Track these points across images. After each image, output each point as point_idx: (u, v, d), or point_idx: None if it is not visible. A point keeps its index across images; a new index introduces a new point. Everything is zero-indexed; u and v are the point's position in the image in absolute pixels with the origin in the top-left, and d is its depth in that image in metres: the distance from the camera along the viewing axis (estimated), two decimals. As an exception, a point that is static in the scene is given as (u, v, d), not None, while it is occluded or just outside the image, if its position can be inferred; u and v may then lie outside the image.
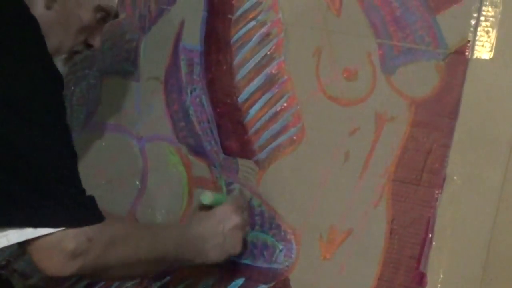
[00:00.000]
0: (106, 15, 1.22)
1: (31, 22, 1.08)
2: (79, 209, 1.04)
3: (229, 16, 1.36)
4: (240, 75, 1.35)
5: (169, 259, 1.17)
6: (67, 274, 1.04)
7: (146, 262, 1.13)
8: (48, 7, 1.16)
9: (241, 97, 1.35)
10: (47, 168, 1.03)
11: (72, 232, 1.02)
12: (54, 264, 1.03)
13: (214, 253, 1.22)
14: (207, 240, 1.21)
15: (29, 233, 1.02)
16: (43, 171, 1.03)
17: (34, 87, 1.04)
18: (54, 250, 1.02)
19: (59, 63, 1.21)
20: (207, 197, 1.26)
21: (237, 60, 1.35)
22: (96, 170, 1.44)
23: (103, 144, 1.46)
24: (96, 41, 1.25)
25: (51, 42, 1.14)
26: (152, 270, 1.26)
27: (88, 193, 1.08)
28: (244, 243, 1.27)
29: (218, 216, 1.23)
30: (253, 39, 1.34)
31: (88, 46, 1.25)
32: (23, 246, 1.04)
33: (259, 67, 1.33)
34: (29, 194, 1.02)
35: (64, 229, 1.02)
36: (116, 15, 1.25)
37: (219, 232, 1.22)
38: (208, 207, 1.26)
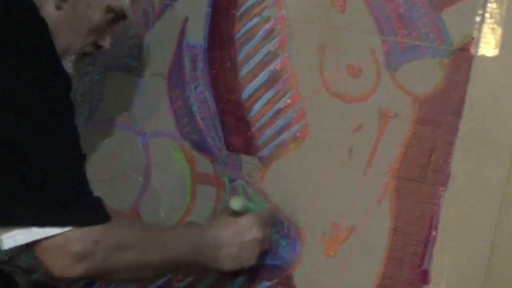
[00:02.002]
0: (116, 16, 1.21)
1: (40, 23, 1.07)
2: (85, 209, 1.04)
3: (233, 12, 1.36)
4: (243, 71, 1.35)
5: (180, 263, 1.16)
6: (73, 276, 1.04)
7: (156, 266, 1.12)
8: (58, 7, 1.15)
9: (245, 94, 1.34)
10: (53, 168, 1.03)
11: (78, 234, 1.02)
12: (61, 265, 1.03)
13: (227, 262, 1.20)
14: (222, 247, 1.19)
15: (36, 233, 1.02)
16: (49, 171, 1.03)
17: (42, 89, 1.04)
18: (60, 251, 1.02)
19: (69, 64, 1.21)
20: (237, 202, 1.24)
21: (240, 57, 1.35)
22: (99, 166, 1.44)
23: (106, 140, 1.45)
24: (106, 42, 1.24)
25: (61, 42, 1.14)
26: (162, 274, 1.26)
27: (92, 188, 1.08)
28: (260, 257, 1.25)
29: (239, 225, 1.22)
30: (257, 35, 1.34)
31: (98, 47, 1.24)
32: (30, 246, 1.04)
33: (262, 64, 1.33)
34: (35, 194, 1.02)
35: (71, 230, 1.02)
36: (126, 16, 1.24)
37: (237, 242, 1.20)
38: (234, 213, 1.24)
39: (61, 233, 1.02)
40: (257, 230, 1.22)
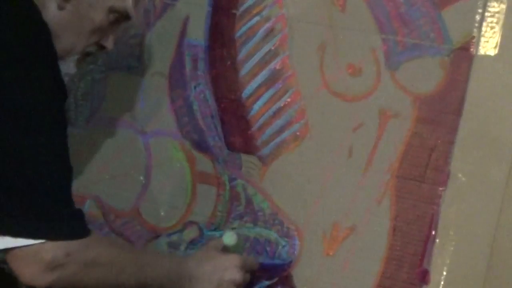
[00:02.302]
0: (119, 16, 1.20)
1: (42, 28, 1.07)
2: (62, 223, 1.04)
3: (234, 11, 1.36)
4: (244, 70, 1.35)
5: None
6: (42, 285, 1.03)
7: None
8: (61, 8, 1.15)
9: (245, 93, 1.34)
10: (36, 179, 1.02)
11: (51, 244, 1.02)
12: (30, 273, 1.03)
13: None
14: (198, 281, 1.19)
15: (9, 242, 1.01)
16: (31, 181, 1.02)
17: (36, 97, 1.04)
18: (31, 259, 1.02)
19: (71, 64, 1.21)
20: (231, 238, 1.25)
21: (241, 56, 1.35)
22: (100, 165, 1.44)
23: (107, 139, 1.45)
24: (109, 43, 1.23)
25: (63, 43, 1.14)
26: None
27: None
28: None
29: (221, 263, 1.22)
30: (257, 34, 1.34)
31: (101, 47, 1.24)
32: (2, 251, 1.03)
33: (263, 63, 1.33)
34: (13, 203, 1.02)
35: (43, 241, 1.01)
36: (130, 17, 1.22)
37: (214, 280, 1.20)
38: (222, 248, 1.25)
39: (34, 244, 1.02)
40: (238, 272, 1.22)
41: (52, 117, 1.06)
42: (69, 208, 1.06)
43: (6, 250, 1.03)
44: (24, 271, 1.03)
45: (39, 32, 1.06)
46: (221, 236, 1.29)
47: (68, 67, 1.32)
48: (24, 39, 1.05)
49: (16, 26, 1.05)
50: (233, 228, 1.33)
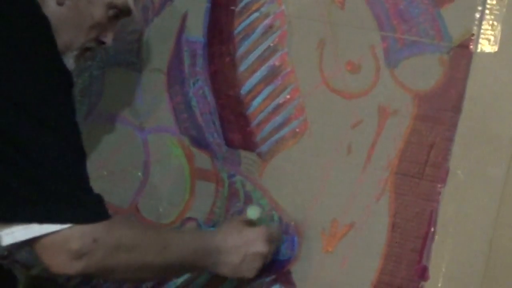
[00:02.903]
0: (118, 12, 1.20)
1: (42, 21, 1.07)
2: (85, 207, 1.04)
3: (232, 7, 1.35)
4: (243, 67, 1.34)
5: (181, 266, 1.17)
6: (71, 273, 1.04)
7: (156, 268, 1.12)
8: (60, 3, 1.14)
9: (244, 89, 1.34)
10: (54, 165, 1.03)
11: (78, 232, 1.02)
12: (59, 262, 1.03)
13: (227, 269, 1.20)
14: (226, 253, 1.19)
15: (35, 230, 1.01)
16: (49, 168, 1.02)
17: (43, 86, 1.04)
18: (59, 248, 1.02)
19: (70, 60, 1.20)
20: (254, 212, 1.24)
21: (240, 52, 1.35)
22: (98, 161, 1.44)
23: (105, 135, 1.45)
24: (108, 38, 1.23)
25: (62, 38, 1.13)
26: (162, 276, 1.26)
27: (91, 184, 1.07)
28: (259, 271, 1.24)
29: (247, 237, 1.21)
30: (256, 31, 1.34)
31: (100, 43, 1.24)
32: (29, 243, 1.03)
33: (262, 59, 1.33)
34: (35, 191, 1.02)
35: (70, 227, 1.02)
36: (129, 12, 1.23)
37: (241, 251, 1.20)
38: (246, 222, 1.24)
39: (60, 230, 1.02)
40: (264, 244, 1.22)
41: (61, 105, 1.06)
42: (89, 192, 1.06)
43: (34, 240, 1.02)
44: (54, 261, 1.03)
45: (39, 24, 1.06)
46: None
47: (67, 63, 1.31)
48: (25, 31, 1.05)
49: (17, 20, 1.05)
50: None
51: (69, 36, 1.17)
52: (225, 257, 1.19)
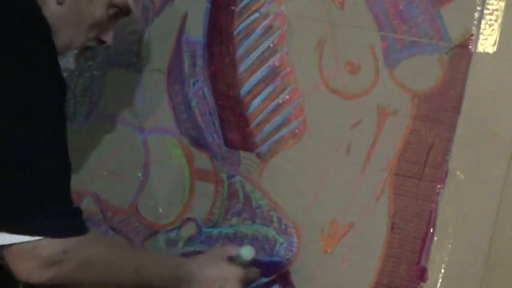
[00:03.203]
0: (118, 11, 1.20)
1: (41, 24, 1.07)
2: (60, 220, 1.03)
3: (232, 8, 1.35)
4: (242, 67, 1.34)
5: None
6: (39, 281, 1.03)
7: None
8: (60, 2, 1.14)
9: (244, 89, 1.34)
10: (35, 175, 1.02)
11: (48, 240, 1.01)
12: (27, 269, 1.02)
13: None
14: (197, 285, 1.19)
15: (6, 238, 1.01)
16: (30, 177, 1.02)
17: (34, 94, 1.03)
18: (28, 255, 1.01)
19: (71, 59, 1.20)
20: (248, 253, 1.22)
21: (239, 52, 1.35)
22: (98, 161, 1.44)
23: (106, 135, 1.45)
24: (109, 37, 1.23)
25: (63, 38, 1.13)
26: None
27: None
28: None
29: (223, 273, 1.21)
30: (256, 31, 1.33)
31: (100, 42, 1.24)
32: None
33: (261, 59, 1.33)
34: (11, 199, 1.01)
35: (41, 238, 1.01)
36: (129, 11, 1.22)
37: (215, 287, 1.20)
38: (228, 259, 1.22)
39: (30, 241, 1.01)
40: (238, 285, 1.21)
41: (51, 114, 1.05)
42: (67, 205, 1.05)
43: (3, 247, 1.02)
44: (21, 268, 1.02)
45: (39, 28, 1.06)
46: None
47: (67, 62, 1.32)
48: (24, 35, 1.04)
49: (16, 22, 1.04)
50: (231, 225, 1.32)
51: (69, 35, 1.17)
52: (197, 287, 1.19)
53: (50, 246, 1.01)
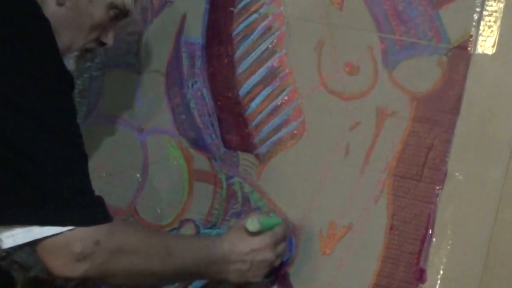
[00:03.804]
0: (119, 12, 1.20)
1: (43, 23, 1.07)
2: (86, 209, 1.03)
3: (231, 9, 1.35)
4: (241, 68, 1.34)
5: (184, 274, 1.16)
6: (73, 276, 1.03)
7: (159, 274, 1.11)
8: (60, 4, 1.14)
9: (242, 91, 1.34)
10: (55, 167, 1.02)
11: (79, 234, 1.01)
12: (61, 265, 1.02)
13: (234, 276, 1.20)
14: (232, 263, 1.19)
15: (36, 233, 1.01)
16: (51, 170, 1.02)
17: (44, 88, 1.03)
18: (61, 251, 1.01)
19: (71, 61, 1.20)
20: (253, 224, 1.21)
21: (238, 53, 1.35)
22: (97, 162, 1.44)
23: (104, 136, 1.45)
24: (109, 39, 1.23)
25: (63, 39, 1.13)
26: (165, 283, 1.25)
27: (93, 189, 1.07)
28: (266, 275, 1.24)
29: (253, 245, 1.20)
30: (255, 32, 1.33)
31: (101, 43, 1.24)
32: (31, 245, 1.03)
33: (260, 61, 1.33)
34: (35, 193, 1.01)
35: (71, 229, 1.01)
36: (130, 13, 1.21)
37: (248, 259, 1.20)
38: (249, 231, 1.22)
39: (62, 233, 1.01)
40: (270, 251, 1.21)
41: (62, 107, 1.06)
42: (90, 195, 1.05)
43: (35, 243, 1.02)
44: (55, 264, 1.02)
45: (41, 27, 1.06)
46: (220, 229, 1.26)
47: (67, 64, 1.32)
48: (27, 33, 1.04)
49: (18, 21, 1.05)
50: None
51: (69, 37, 1.17)
52: (231, 265, 1.19)
53: (82, 239, 1.01)
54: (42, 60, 1.05)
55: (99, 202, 1.06)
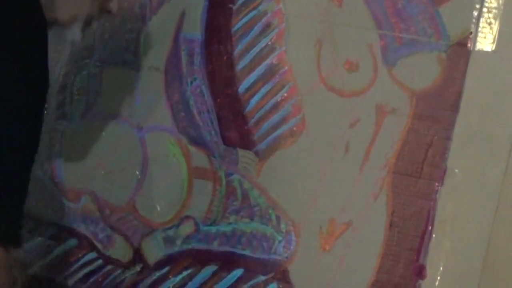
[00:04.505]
0: None
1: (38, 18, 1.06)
2: None
3: (230, 5, 1.35)
4: (240, 65, 1.34)
5: None
6: None
7: None
8: None
9: (242, 88, 1.34)
10: None
11: None
12: None
13: None
14: None
15: None
16: None
17: (18, 83, 1.02)
18: None
19: (77, 31, 1.19)
20: None
21: (237, 50, 1.34)
22: (96, 160, 1.44)
23: (103, 134, 1.45)
24: (113, 6, 1.22)
25: (67, 8, 1.13)
26: None
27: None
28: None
29: None
30: (254, 29, 1.33)
31: (106, 11, 1.22)
32: None
33: (259, 58, 1.33)
34: None
35: None
36: None
37: None
38: None
39: None
40: None
41: (27, 110, 1.04)
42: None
43: None
44: None
45: (36, 23, 1.06)
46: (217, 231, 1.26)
47: (73, 34, 1.31)
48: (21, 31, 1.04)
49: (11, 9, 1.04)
50: (229, 223, 1.33)
51: (73, 6, 1.15)
52: None
53: None
54: (25, 51, 1.03)
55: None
